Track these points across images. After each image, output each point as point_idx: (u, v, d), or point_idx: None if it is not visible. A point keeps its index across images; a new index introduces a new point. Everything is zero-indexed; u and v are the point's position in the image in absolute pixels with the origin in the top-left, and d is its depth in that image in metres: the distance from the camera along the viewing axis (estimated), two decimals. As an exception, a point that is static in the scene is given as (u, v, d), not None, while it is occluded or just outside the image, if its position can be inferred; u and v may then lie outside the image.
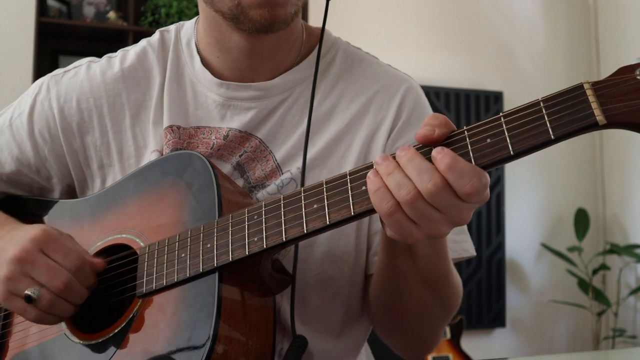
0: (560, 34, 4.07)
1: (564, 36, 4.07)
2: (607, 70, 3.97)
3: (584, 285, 3.70)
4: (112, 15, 3.41)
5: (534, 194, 3.89)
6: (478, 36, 3.89)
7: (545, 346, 3.91)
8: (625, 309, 3.75)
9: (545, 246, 3.79)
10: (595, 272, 3.71)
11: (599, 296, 3.68)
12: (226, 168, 0.94)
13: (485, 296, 3.73)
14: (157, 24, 3.36)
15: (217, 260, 0.77)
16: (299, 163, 0.92)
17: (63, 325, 0.87)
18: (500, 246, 3.76)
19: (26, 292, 0.80)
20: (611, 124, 0.61)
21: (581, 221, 3.78)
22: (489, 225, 3.74)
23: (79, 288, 0.83)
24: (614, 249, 3.67)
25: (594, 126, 0.61)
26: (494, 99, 3.81)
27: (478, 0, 3.93)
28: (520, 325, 3.86)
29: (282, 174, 0.93)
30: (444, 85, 3.75)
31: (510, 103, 3.82)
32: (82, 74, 1.01)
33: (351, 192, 0.70)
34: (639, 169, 3.74)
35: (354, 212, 0.70)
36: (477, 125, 0.66)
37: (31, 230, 0.84)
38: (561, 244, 3.78)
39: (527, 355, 3.87)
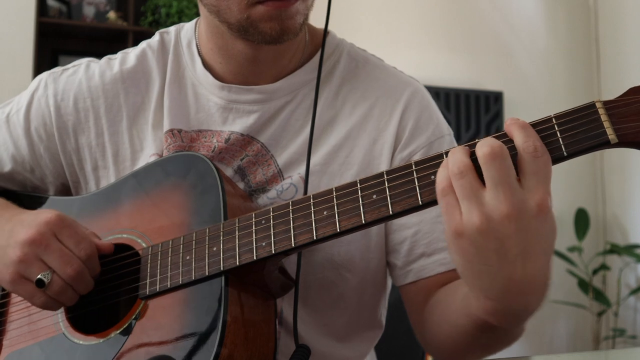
0: (560, 34, 4.06)
1: (564, 36, 4.07)
2: (607, 70, 3.97)
3: (584, 285, 3.70)
4: (112, 15, 3.41)
5: (534, 194, 3.88)
6: (478, 36, 3.89)
7: (545, 346, 3.91)
8: (625, 309, 3.74)
9: (545, 246, 3.78)
10: (595, 272, 3.71)
11: (599, 296, 3.68)
12: (227, 172, 0.93)
13: (485, 296, 3.73)
14: (157, 24, 3.36)
15: (223, 264, 0.77)
16: (300, 169, 0.92)
17: (61, 324, 0.87)
18: (500, 246, 3.76)
19: (39, 276, 0.79)
20: (622, 142, 0.62)
21: (581, 221, 3.78)
22: (489, 225, 3.73)
23: (87, 277, 0.82)
24: (614, 249, 3.67)
25: (606, 144, 0.62)
26: (494, 99, 3.81)
27: (478, 0, 3.93)
28: (520, 325, 3.85)
29: (284, 179, 0.92)
30: (444, 85, 3.74)
31: (510, 103, 3.82)
32: (81, 73, 1.00)
33: (362, 200, 0.70)
34: (639, 169, 3.74)
35: (365, 221, 0.70)
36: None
37: (44, 214, 0.83)
38: (561, 244, 3.78)
39: (527, 355, 3.87)
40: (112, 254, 0.87)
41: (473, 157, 0.63)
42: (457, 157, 0.63)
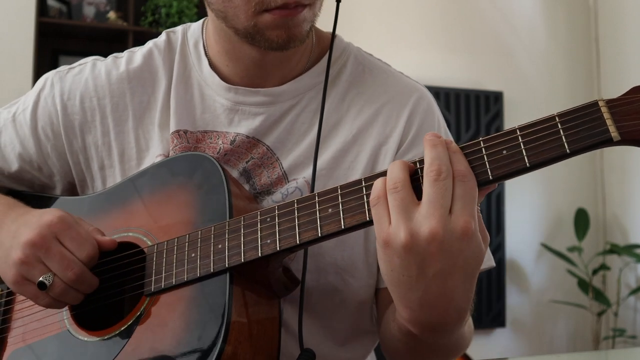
0: (560, 34, 4.07)
1: (564, 36, 4.07)
2: (607, 70, 3.98)
3: (584, 285, 3.70)
4: (112, 15, 3.42)
5: (534, 194, 3.89)
6: (478, 36, 3.89)
7: (545, 346, 3.91)
8: (625, 309, 3.75)
9: (545, 246, 3.79)
10: (595, 272, 3.71)
11: (599, 296, 3.69)
12: (233, 173, 0.93)
13: (485, 296, 3.73)
14: (157, 24, 3.36)
15: (228, 261, 0.77)
16: (305, 173, 0.92)
17: (66, 321, 0.87)
18: (500, 246, 3.76)
19: (40, 279, 0.80)
20: (625, 140, 0.63)
21: (581, 221, 3.78)
22: (489, 225, 3.73)
23: (90, 278, 0.83)
24: (614, 249, 3.67)
25: (609, 142, 0.63)
26: (494, 99, 3.81)
27: (478, 0, 3.94)
28: (520, 325, 3.86)
29: (288, 182, 0.92)
30: (444, 85, 3.75)
31: (510, 103, 3.82)
32: (87, 72, 1.00)
33: (367, 198, 0.71)
34: (639, 169, 3.74)
35: (369, 218, 0.70)
36: (493, 137, 0.67)
37: (47, 215, 0.83)
38: (561, 244, 3.78)
39: (527, 355, 3.87)
40: (116, 251, 0.87)
41: (415, 175, 0.68)
42: (394, 173, 0.67)
